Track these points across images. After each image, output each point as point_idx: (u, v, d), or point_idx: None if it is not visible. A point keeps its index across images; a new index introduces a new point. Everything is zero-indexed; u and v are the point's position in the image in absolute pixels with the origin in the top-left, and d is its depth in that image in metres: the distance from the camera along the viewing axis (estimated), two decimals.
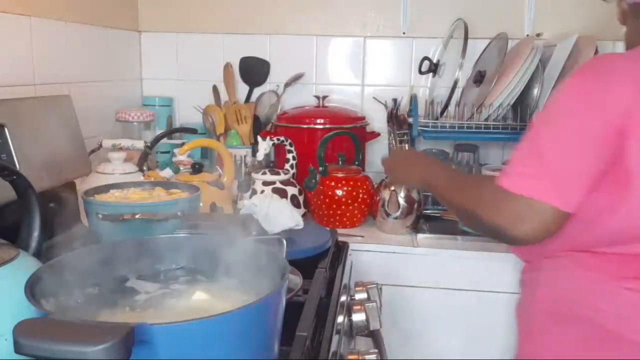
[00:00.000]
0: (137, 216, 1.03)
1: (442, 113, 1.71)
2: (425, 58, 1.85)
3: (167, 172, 1.42)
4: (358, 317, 1.05)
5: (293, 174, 1.63)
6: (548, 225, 0.85)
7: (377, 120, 1.90)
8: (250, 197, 1.41)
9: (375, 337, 1.07)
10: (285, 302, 0.67)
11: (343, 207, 1.56)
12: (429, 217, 1.67)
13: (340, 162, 1.63)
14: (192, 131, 1.71)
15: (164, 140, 1.65)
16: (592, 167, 0.86)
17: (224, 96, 1.96)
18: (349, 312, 1.05)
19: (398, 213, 1.53)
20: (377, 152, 1.92)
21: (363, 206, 1.58)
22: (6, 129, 1.09)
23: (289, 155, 1.65)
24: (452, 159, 1.84)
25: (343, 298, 1.04)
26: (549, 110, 0.91)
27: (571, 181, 0.86)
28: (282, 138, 1.65)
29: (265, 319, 0.63)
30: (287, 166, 1.64)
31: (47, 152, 1.20)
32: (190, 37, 1.99)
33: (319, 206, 1.58)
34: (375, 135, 1.86)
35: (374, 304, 1.06)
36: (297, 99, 1.93)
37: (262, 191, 1.52)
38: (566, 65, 1.60)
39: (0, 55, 1.26)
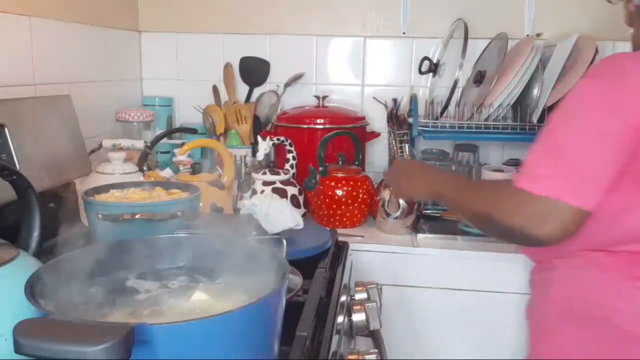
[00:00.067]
0: (137, 216, 1.03)
1: (442, 113, 1.71)
2: (425, 58, 1.85)
3: (167, 172, 1.42)
4: (358, 317, 1.05)
5: (293, 174, 1.63)
6: (567, 225, 0.85)
7: (377, 120, 1.90)
8: (250, 197, 1.41)
9: (375, 337, 1.07)
10: (285, 302, 0.67)
11: (343, 207, 1.56)
12: (429, 217, 1.67)
13: (340, 162, 1.63)
14: (192, 131, 1.71)
15: (164, 140, 1.65)
16: (610, 167, 0.86)
17: (224, 96, 1.96)
18: (349, 312, 1.05)
19: (398, 213, 1.53)
20: (377, 152, 1.93)
21: (363, 206, 1.58)
22: (6, 129, 1.09)
23: (289, 155, 1.65)
24: (452, 159, 1.84)
25: (343, 298, 1.04)
26: (564, 112, 0.91)
27: (590, 180, 0.86)
28: (282, 138, 1.65)
29: (265, 319, 0.63)
30: (287, 166, 1.64)
31: (47, 152, 1.20)
32: (190, 37, 1.99)
33: (319, 206, 1.58)
34: (375, 135, 1.86)
35: (374, 304, 1.06)
36: (297, 99, 1.93)
37: (262, 191, 1.52)
38: (566, 65, 1.60)
39: (0, 55, 1.26)
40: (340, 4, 1.92)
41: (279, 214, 1.14)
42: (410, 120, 1.70)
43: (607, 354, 0.92)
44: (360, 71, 1.95)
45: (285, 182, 1.56)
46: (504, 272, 1.43)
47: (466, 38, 1.69)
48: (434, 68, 1.86)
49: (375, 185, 1.61)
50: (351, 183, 1.57)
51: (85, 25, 1.62)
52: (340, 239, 1.32)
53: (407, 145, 1.63)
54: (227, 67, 1.95)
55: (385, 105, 1.84)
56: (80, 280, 0.70)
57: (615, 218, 0.89)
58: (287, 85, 1.92)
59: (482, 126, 1.63)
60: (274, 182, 1.54)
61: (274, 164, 1.79)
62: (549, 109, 1.60)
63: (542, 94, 1.61)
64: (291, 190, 1.55)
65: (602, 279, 0.94)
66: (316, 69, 1.96)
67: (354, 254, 1.34)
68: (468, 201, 1.02)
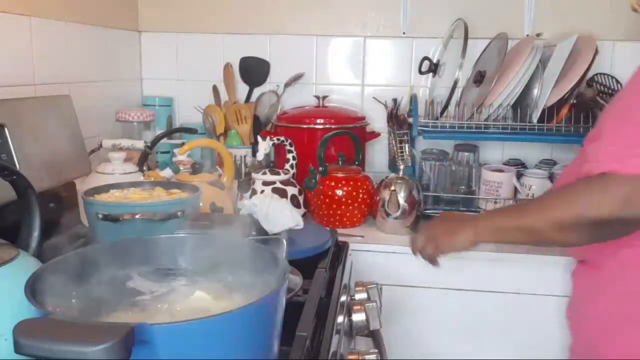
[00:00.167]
0: (137, 216, 1.03)
1: (442, 113, 1.71)
2: (425, 58, 1.85)
3: (167, 172, 1.42)
4: (358, 317, 1.05)
5: (293, 174, 1.63)
6: None
7: (377, 120, 1.90)
8: (250, 197, 1.41)
9: (375, 337, 1.07)
10: (285, 302, 0.67)
11: (343, 207, 1.56)
12: (429, 217, 1.66)
13: (340, 162, 1.63)
14: (192, 131, 1.71)
15: (164, 140, 1.64)
16: None
17: (224, 96, 1.96)
18: (349, 312, 1.05)
19: (398, 213, 1.53)
20: (377, 152, 1.93)
21: (363, 206, 1.58)
22: (6, 129, 1.09)
23: (289, 155, 1.65)
24: (452, 159, 1.84)
25: (343, 298, 1.04)
26: (629, 103, 0.88)
27: None
28: (282, 138, 1.65)
29: (265, 319, 0.63)
30: (287, 166, 1.64)
31: (47, 152, 1.20)
32: (190, 37, 1.99)
33: (319, 206, 1.58)
34: (375, 135, 1.86)
35: (374, 304, 1.06)
36: (297, 99, 1.93)
37: (262, 191, 1.52)
38: (566, 65, 1.60)
39: (0, 55, 1.26)
40: (340, 4, 1.92)
41: (279, 214, 1.14)
42: (410, 120, 1.69)
43: None
44: (360, 71, 1.95)
45: (285, 182, 1.56)
46: (504, 272, 1.43)
47: (466, 38, 1.69)
48: (434, 68, 1.86)
49: (375, 185, 1.61)
50: (351, 183, 1.57)
51: (85, 25, 1.62)
52: (340, 239, 1.32)
53: (407, 145, 1.62)
54: (227, 67, 1.95)
55: (385, 105, 1.84)
56: (80, 280, 0.70)
57: None
58: (287, 85, 1.92)
59: (482, 126, 1.63)
60: (274, 182, 1.54)
61: (274, 164, 1.79)
62: (549, 109, 1.60)
63: (542, 93, 1.61)
64: (291, 190, 1.55)
65: None
66: (316, 69, 1.96)
67: (354, 254, 1.34)
68: (531, 217, 0.94)
